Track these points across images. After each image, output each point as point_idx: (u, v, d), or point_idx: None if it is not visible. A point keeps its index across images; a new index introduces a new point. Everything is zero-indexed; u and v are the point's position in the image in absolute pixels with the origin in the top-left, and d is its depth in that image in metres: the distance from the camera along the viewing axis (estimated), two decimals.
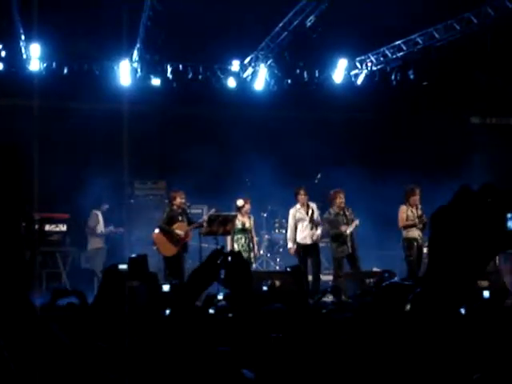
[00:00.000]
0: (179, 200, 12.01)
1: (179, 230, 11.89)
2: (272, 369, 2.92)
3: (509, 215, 1.75)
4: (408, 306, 3.19)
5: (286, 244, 12.84)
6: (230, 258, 2.97)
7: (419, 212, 12.12)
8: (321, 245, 14.66)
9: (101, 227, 13.70)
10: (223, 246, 11.36)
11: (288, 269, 10.32)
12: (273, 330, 3.83)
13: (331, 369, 2.67)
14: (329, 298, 12.08)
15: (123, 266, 4.36)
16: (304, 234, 12.39)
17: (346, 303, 9.78)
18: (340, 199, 12.23)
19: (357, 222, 12.26)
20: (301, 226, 12.44)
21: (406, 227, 12.13)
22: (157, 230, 11.99)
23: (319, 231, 12.53)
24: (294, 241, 12.47)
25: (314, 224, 12.37)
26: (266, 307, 5.03)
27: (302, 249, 12.44)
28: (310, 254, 12.42)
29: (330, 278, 13.35)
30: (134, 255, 4.51)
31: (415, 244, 12.04)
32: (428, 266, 1.89)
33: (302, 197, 12.39)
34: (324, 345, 3.36)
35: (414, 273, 11.61)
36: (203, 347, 2.84)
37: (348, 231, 12.12)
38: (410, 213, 12.12)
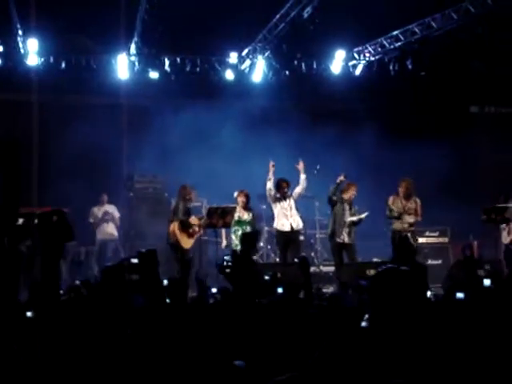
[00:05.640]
0: (193, 194, 12.15)
1: (194, 223, 11.98)
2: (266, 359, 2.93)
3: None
4: (364, 323, 3.34)
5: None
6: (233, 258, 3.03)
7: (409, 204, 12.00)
8: (320, 236, 14.68)
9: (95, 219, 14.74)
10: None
11: (296, 260, 10.31)
12: (275, 320, 3.85)
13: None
14: (329, 289, 12.12)
15: (135, 260, 4.42)
16: (282, 221, 12.21)
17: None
18: (352, 191, 12.10)
19: (363, 215, 12.11)
20: (277, 210, 12.27)
21: (391, 218, 12.09)
22: (176, 223, 11.94)
23: (298, 217, 12.33)
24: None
25: (292, 207, 12.24)
26: (269, 297, 5.04)
27: (280, 236, 12.28)
28: (289, 241, 12.15)
29: (331, 268, 13.33)
30: (143, 250, 4.52)
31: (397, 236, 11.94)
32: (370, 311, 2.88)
33: (284, 190, 12.21)
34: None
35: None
36: (200, 339, 2.87)
37: (349, 219, 12.01)
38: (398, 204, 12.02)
